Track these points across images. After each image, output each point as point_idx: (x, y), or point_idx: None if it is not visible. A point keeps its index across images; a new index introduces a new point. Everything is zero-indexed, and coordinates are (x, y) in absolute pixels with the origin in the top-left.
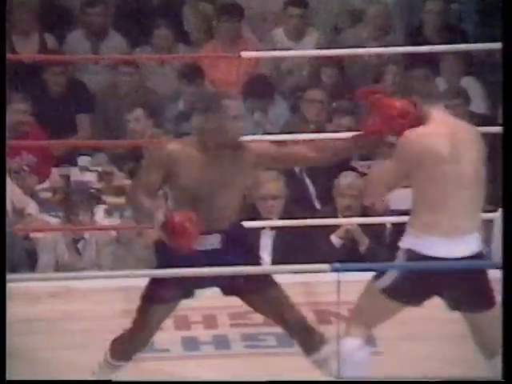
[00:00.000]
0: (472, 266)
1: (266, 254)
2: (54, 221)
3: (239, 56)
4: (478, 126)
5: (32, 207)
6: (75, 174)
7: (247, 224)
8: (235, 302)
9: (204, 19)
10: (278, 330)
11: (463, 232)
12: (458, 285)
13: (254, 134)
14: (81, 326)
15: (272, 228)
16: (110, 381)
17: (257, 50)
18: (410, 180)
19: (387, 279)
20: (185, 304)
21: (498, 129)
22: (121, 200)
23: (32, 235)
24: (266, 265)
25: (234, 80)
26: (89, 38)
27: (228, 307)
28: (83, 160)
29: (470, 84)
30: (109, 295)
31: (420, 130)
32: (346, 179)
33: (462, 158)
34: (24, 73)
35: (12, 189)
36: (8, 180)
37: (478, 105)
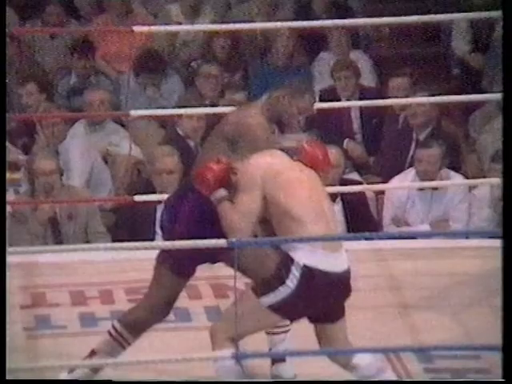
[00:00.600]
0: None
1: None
2: None
3: (132, 30)
4: (367, 99)
5: None
6: None
7: (141, 198)
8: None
9: None
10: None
11: (340, 246)
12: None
13: (147, 109)
14: None
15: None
16: (110, 381)
17: (149, 25)
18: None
19: (277, 296)
20: None
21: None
22: (16, 175)
23: None
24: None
25: (126, 55)
26: None
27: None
28: None
29: (358, 57)
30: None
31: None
32: None
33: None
34: None
35: None
36: None
37: (367, 78)
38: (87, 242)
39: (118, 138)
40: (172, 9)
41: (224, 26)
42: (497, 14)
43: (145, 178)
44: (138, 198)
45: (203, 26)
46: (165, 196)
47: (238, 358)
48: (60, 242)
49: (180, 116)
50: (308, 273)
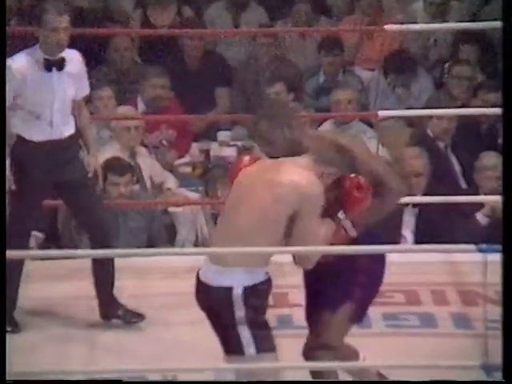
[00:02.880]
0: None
1: (408, 232)
2: (193, 195)
3: (383, 29)
4: None
5: (171, 181)
6: (215, 148)
7: None
8: None
9: None
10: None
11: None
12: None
13: (395, 110)
14: None
15: (415, 205)
16: (110, 381)
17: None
18: None
19: None
20: None
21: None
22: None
23: (171, 209)
24: (408, 243)
25: (376, 54)
26: (230, 10)
27: None
28: (223, 135)
29: None
30: None
31: None
32: (487, 160)
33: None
34: (161, 46)
35: (151, 163)
36: (146, 153)
37: None
38: None
39: (365, 139)
40: (417, 8)
41: (472, 25)
42: (497, 24)
43: None
44: None
45: (454, 25)
46: (413, 199)
47: (488, 369)
48: None
49: (430, 117)
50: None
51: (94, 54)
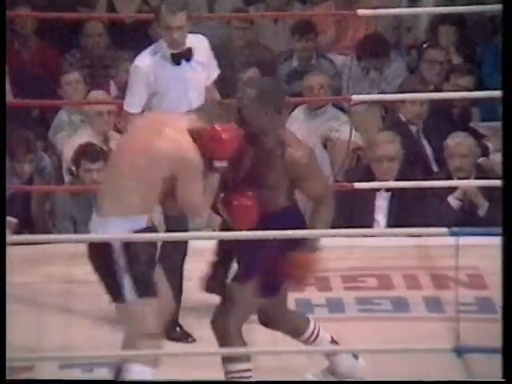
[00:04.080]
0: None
1: (381, 216)
2: None
3: (355, 13)
4: None
5: None
6: None
7: (360, 185)
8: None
9: None
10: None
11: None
12: None
13: (368, 94)
14: None
15: (387, 190)
16: (110, 381)
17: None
18: None
19: None
20: None
21: None
22: None
23: None
24: (381, 227)
25: (349, 39)
26: None
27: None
28: None
29: None
30: None
31: None
32: (454, 140)
33: None
34: (129, 32)
35: None
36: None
37: None
38: None
39: (338, 124)
40: None
41: (447, 9)
42: (497, 7)
43: (364, 164)
44: (357, 184)
45: (428, 9)
46: (385, 183)
47: (460, 351)
48: None
49: (403, 101)
50: None
51: (67, 39)
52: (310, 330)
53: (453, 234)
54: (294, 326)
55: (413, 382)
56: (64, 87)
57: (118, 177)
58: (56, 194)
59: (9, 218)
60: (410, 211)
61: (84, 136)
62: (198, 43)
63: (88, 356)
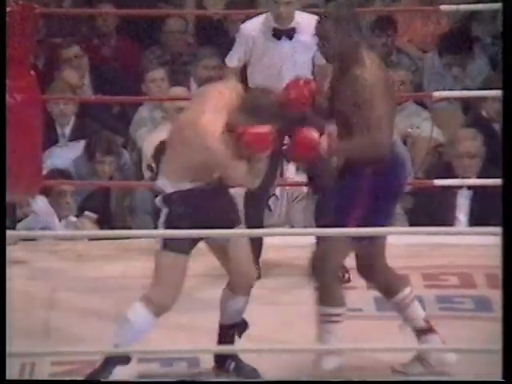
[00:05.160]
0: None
1: (462, 214)
2: None
3: (438, 9)
4: None
5: None
6: None
7: (441, 182)
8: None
9: None
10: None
11: None
12: None
13: (450, 91)
14: None
15: (469, 188)
16: (111, 381)
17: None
18: None
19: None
20: None
21: None
22: None
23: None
24: (462, 226)
25: (431, 34)
26: None
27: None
28: None
29: None
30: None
31: None
32: None
33: None
34: (212, 28)
35: None
36: None
37: None
38: None
39: (419, 120)
40: None
41: None
42: (497, 6)
43: (445, 161)
44: (437, 181)
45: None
46: (466, 181)
47: None
48: None
49: (485, 98)
50: None
51: (148, 36)
52: (404, 293)
53: None
54: (389, 284)
55: (412, 382)
56: (148, 84)
57: (171, 145)
58: (136, 190)
59: (88, 213)
60: (491, 210)
61: (164, 132)
62: (306, 24)
63: (166, 351)
